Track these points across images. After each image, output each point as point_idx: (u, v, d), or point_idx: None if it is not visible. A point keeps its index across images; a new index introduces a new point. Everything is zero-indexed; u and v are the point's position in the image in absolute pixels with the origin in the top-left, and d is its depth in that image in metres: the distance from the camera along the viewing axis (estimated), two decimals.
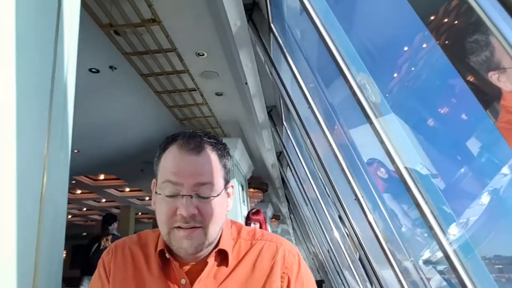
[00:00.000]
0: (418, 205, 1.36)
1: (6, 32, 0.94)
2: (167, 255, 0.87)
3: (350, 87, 1.53)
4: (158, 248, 0.89)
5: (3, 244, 0.92)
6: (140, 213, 13.31)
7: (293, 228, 13.12)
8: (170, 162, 0.85)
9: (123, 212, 11.71)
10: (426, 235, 2.34)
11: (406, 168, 1.36)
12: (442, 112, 2.07)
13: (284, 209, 11.20)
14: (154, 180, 0.90)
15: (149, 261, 0.91)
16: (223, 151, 0.90)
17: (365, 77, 1.50)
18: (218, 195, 0.85)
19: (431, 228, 1.31)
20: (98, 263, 0.94)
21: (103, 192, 9.70)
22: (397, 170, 1.39)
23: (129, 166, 6.85)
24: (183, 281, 0.86)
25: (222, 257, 0.89)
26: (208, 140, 0.88)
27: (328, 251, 4.74)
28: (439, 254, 2.00)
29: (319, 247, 6.20)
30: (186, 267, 0.88)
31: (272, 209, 10.58)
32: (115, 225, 4.27)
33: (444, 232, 1.31)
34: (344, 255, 3.88)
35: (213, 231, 0.85)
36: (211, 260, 0.87)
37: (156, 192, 0.86)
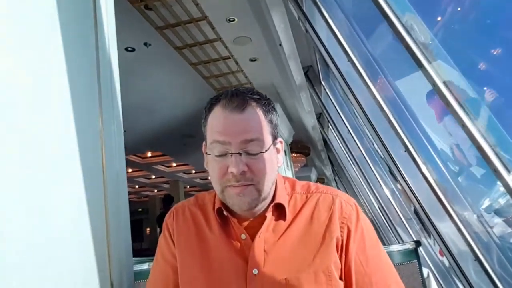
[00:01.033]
0: (479, 148, 1.27)
1: (49, 20, 0.96)
2: (225, 213, 0.89)
3: (396, 32, 1.42)
4: (216, 207, 0.91)
5: (77, 222, 0.98)
6: (188, 186, 13.85)
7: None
8: (215, 122, 0.85)
9: (172, 186, 12.25)
10: (482, 186, 2.23)
11: (461, 105, 1.27)
12: (495, 53, 1.90)
13: (328, 172, 11.15)
14: (204, 143, 0.91)
15: (209, 220, 0.93)
16: (267, 106, 0.89)
17: (412, 17, 1.38)
18: (266, 150, 0.84)
19: (495, 170, 1.23)
20: (162, 226, 0.99)
21: (152, 168, 10.15)
22: (452, 111, 1.30)
23: (173, 141, 7.06)
24: (243, 236, 0.88)
25: (279, 211, 0.89)
26: (252, 96, 0.86)
27: (378, 209, 4.69)
28: (502, 201, 1.90)
29: (368, 206, 6.15)
30: (245, 223, 0.90)
31: (316, 172, 10.57)
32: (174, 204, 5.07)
33: (510, 172, 1.23)
34: (396, 211, 3.81)
35: (265, 186, 0.86)
36: (269, 215, 0.88)
37: (206, 153, 0.88)
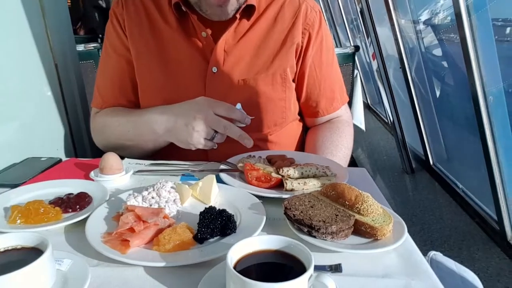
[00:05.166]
0: None
1: None
2: (184, 8, 0.82)
3: None
4: (173, 1, 0.82)
5: None
6: None
7: None
8: None
9: None
10: None
11: None
12: None
13: None
14: None
15: (164, 13, 0.86)
16: None
17: None
18: None
19: None
20: (109, 15, 0.90)
21: None
22: None
23: None
24: (203, 34, 0.84)
25: (245, 11, 0.85)
26: None
27: (324, 8, 4.63)
28: (441, 16, 1.96)
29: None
30: (205, 21, 0.84)
31: None
32: None
33: None
34: (341, 12, 3.83)
35: None
36: (238, 16, 0.83)
37: None
